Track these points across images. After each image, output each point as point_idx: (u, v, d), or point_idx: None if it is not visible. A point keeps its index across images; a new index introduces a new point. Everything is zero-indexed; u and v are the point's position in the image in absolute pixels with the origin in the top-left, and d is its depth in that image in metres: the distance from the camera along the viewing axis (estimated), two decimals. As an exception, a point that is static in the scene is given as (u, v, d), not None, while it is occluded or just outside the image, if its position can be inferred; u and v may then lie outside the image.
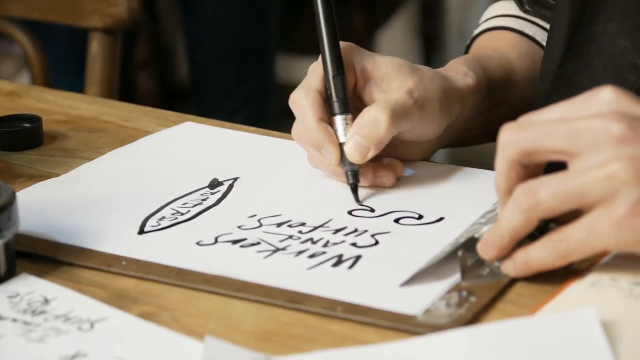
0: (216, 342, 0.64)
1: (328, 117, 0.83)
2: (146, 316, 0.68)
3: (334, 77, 0.83)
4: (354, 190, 0.82)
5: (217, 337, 0.65)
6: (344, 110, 0.83)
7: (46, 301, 0.70)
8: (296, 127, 0.84)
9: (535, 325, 0.65)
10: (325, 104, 0.83)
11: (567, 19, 0.90)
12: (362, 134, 0.81)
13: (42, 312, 0.69)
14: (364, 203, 0.82)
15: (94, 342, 0.66)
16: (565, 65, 0.91)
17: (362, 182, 0.82)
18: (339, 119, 0.83)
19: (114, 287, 0.72)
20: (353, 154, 0.81)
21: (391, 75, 0.84)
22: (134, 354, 0.65)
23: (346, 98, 0.83)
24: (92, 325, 0.68)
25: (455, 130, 0.89)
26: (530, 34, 1.01)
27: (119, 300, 0.70)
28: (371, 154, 0.81)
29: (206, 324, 0.68)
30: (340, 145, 0.82)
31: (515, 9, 1.03)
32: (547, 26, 1.01)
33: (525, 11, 1.02)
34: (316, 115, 0.82)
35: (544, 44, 1.00)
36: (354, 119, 0.82)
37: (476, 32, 1.05)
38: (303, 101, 0.83)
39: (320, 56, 0.85)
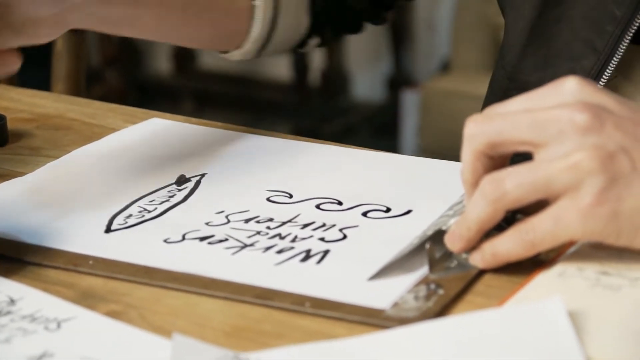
0: (184, 339, 0.63)
1: None
2: (114, 315, 0.68)
3: None
4: None
5: (185, 334, 0.64)
6: None
7: (12, 301, 0.69)
8: None
9: (503, 316, 0.65)
10: None
11: None
12: None
13: (8, 312, 0.68)
14: (332, 196, 0.82)
15: (61, 341, 0.65)
16: (543, 16, 0.91)
17: None
18: None
19: (81, 286, 0.72)
20: None
21: None
22: (102, 353, 0.64)
23: None
24: (59, 325, 0.67)
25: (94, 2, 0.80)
26: None
27: (86, 299, 0.70)
28: None
29: (174, 322, 0.67)
30: None
31: None
32: None
33: None
34: None
35: None
36: None
37: None
38: None
39: None
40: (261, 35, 0.92)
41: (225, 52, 0.94)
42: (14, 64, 0.76)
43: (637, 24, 0.87)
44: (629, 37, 0.88)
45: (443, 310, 0.67)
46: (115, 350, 0.65)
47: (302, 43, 0.99)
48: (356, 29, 1.02)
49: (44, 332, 0.66)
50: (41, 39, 0.78)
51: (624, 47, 0.88)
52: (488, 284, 0.70)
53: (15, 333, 0.66)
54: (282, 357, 0.63)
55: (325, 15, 0.97)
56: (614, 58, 0.88)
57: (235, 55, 0.94)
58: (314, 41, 0.99)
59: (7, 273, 0.73)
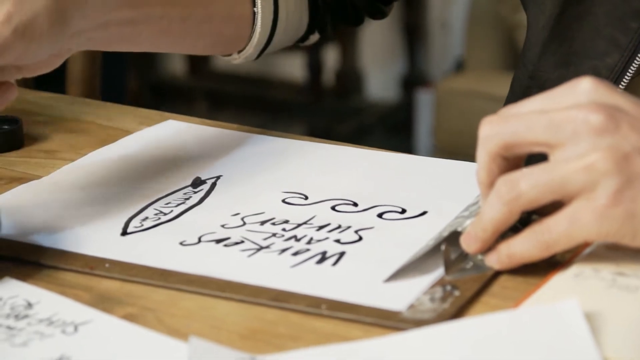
0: (200, 342, 0.64)
1: None
2: (130, 318, 0.68)
3: None
4: None
5: (201, 337, 0.64)
6: None
7: (29, 305, 0.70)
8: None
9: (518, 318, 0.65)
10: None
11: None
12: None
13: (26, 316, 0.68)
14: (347, 197, 0.82)
15: (78, 345, 0.66)
16: (566, 13, 0.91)
17: None
18: None
19: (98, 289, 0.72)
20: None
21: None
22: (119, 357, 0.65)
23: None
24: (76, 329, 0.67)
25: (93, 28, 0.79)
26: None
27: (103, 303, 0.70)
28: None
29: (190, 324, 0.67)
30: None
31: None
32: None
33: None
34: None
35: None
36: None
37: None
38: None
39: None
40: (262, 39, 0.93)
41: (227, 55, 0.94)
42: (12, 94, 0.76)
43: None
44: None
45: (459, 311, 0.67)
46: (131, 353, 0.65)
47: (303, 38, 0.99)
48: (356, 22, 1.02)
49: (61, 336, 0.66)
50: (43, 71, 0.78)
51: None
52: (504, 285, 0.70)
53: (32, 337, 0.66)
54: (297, 359, 0.63)
55: (325, 11, 0.97)
56: (639, 55, 0.88)
57: (237, 58, 0.94)
58: (315, 36, 0.99)
59: (24, 276, 0.73)
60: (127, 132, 0.95)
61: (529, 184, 0.67)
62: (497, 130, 0.69)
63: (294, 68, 3.19)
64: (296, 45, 1.01)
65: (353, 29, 2.87)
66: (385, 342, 0.64)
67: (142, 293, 0.71)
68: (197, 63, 3.28)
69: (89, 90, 1.35)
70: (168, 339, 0.66)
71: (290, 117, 3.17)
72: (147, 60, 3.29)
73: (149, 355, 0.65)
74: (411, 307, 0.67)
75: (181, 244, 0.76)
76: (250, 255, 0.74)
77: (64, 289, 0.71)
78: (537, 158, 0.70)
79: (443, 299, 0.68)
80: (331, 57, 3.12)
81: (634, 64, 0.89)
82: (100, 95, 1.37)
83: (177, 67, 3.36)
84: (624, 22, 0.88)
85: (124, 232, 0.78)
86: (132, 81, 3.04)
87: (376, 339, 0.64)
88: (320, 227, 0.77)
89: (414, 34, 3.05)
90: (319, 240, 0.76)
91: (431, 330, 0.64)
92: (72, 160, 0.90)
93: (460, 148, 2.22)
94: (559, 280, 0.69)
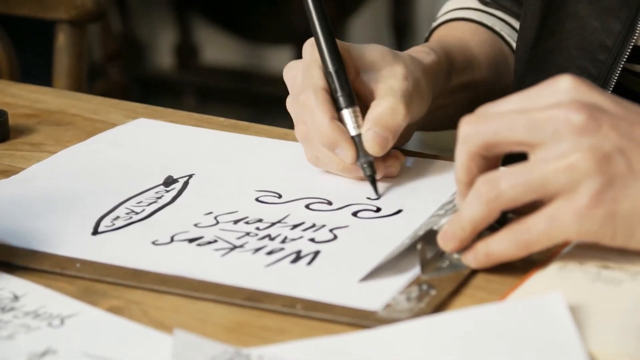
0: (185, 335, 0.63)
1: (337, 114, 0.81)
2: (116, 310, 0.68)
3: (336, 71, 0.81)
4: (373, 182, 0.80)
5: (186, 330, 0.64)
6: (351, 103, 0.81)
7: (16, 298, 0.69)
8: (302, 128, 0.82)
9: (503, 310, 0.65)
10: (333, 102, 0.81)
11: (539, 2, 0.92)
12: (381, 124, 0.80)
13: (12, 308, 0.68)
14: (322, 196, 0.81)
15: (64, 338, 0.65)
16: (539, 46, 0.92)
17: (377, 173, 0.81)
18: (347, 113, 0.81)
19: (83, 282, 0.71)
20: (373, 147, 0.80)
21: (377, 63, 0.83)
22: (104, 349, 0.64)
23: (351, 90, 0.81)
24: (62, 321, 0.67)
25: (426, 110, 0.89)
26: (489, 24, 1.01)
27: (88, 295, 0.69)
28: (390, 144, 0.80)
29: (176, 317, 0.67)
30: (353, 139, 0.80)
31: (473, 2, 1.03)
32: (506, 18, 1.02)
33: (485, 3, 1.02)
34: (328, 114, 0.80)
35: (503, 34, 1.00)
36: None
37: (435, 24, 1.05)
38: (312, 101, 0.81)
39: (304, 52, 0.84)
40: None
41: None
42: (399, 164, 0.83)
43: (628, 54, 0.89)
44: (622, 65, 0.89)
45: (435, 311, 0.66)
46: (117, 346, 0.64)
47: None
48: None
49: (47, 329, 0.66)
50: (398, 144, 0.86)
51: (617, 75, 0.89)
52: (489, 278, 0.69)
53: (18, 329, 0.66)
54: (283, 352, 0.62)
55: None
56: (610, 84, 0.90)
57: None
58: None
59: (11, 269, 0.72)
60: (114, 125, 0.94)
61: (509, 184, 0.67)
62: (477, 129, 0.68)
63: (282, 62, 3.18)
64: None
65: (341, 26, 2.86)
66: (373, 335, 0.64)
67: (127, 286, 0.70)
68: (186, 57, 3.27)
69: (75, 83, 1.34)
70: (153, 332, 0.65)
71: (279, 112, 3.15)
72: (135, 54, 3.28)
73: (134, 348, 0.64)
74: (387, 306, 0.66)
75: (153, 243, 0.75)
76: (223, 255, 0.73)
77: (49, 282, 0.71)
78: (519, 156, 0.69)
79: (419, 298, 0.67)
80: (320, 51, 3.10)
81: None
82: (87, 88, 1.36)
83: (166, 61, 3.35)
84: (593, 54, 0.90)
85: (95, 232, 0.77)
86: (119, 75, 3.03)
87: (363, 332, 0.64)
88: (295, 226, 0.76)
89: (401, 29, 3.04)
90: (293, 239, 0.74)
91: (419, 322, 0.64)
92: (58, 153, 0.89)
93: (448, 144, 2.22)
94: (544, 273, 0.68)
